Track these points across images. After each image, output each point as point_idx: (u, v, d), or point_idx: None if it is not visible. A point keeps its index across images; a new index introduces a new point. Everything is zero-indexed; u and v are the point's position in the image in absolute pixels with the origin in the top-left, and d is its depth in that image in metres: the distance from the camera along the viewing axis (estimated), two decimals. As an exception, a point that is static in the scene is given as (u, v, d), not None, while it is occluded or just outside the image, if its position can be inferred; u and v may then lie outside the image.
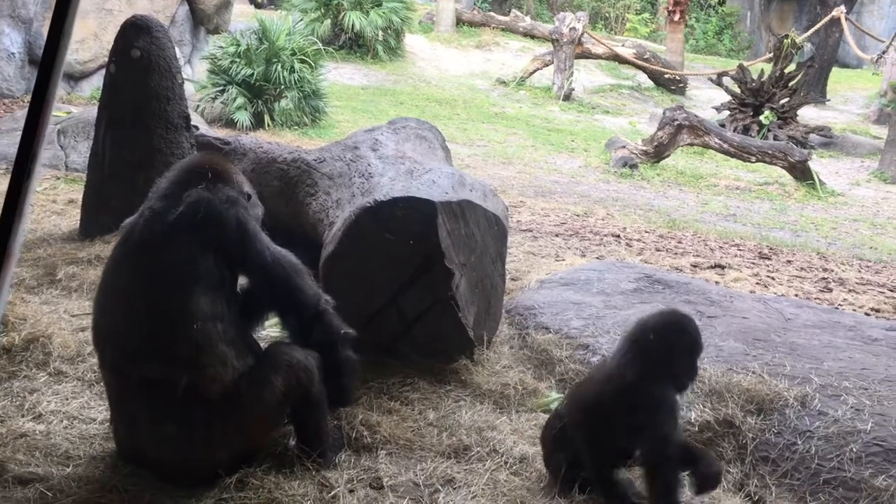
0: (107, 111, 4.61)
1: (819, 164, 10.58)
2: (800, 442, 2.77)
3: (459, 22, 18.99)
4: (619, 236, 6.60)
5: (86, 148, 6.06)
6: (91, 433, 2.75)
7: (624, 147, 10.25)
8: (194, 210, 2.37)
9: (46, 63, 1.71)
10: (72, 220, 5.01)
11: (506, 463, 2.78)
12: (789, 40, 12.55)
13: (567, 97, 14.48)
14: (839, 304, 5.12)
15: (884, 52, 15.18)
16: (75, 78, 9.93)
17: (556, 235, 6.42)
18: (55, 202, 5.55)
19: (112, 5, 9.97)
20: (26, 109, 7.12)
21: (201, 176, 2.48)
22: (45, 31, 9.47)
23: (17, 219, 1.74)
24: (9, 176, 6.12)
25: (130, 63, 4.55)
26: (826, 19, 14.57)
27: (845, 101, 16.26)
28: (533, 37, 18.64)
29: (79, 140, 6.58)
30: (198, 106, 9.60)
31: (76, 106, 8.68)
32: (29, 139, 1.73)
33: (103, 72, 7.11)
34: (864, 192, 10.07)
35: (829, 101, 15.62)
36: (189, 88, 7.96)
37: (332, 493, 2.51)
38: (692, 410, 2.94)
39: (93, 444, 2.68)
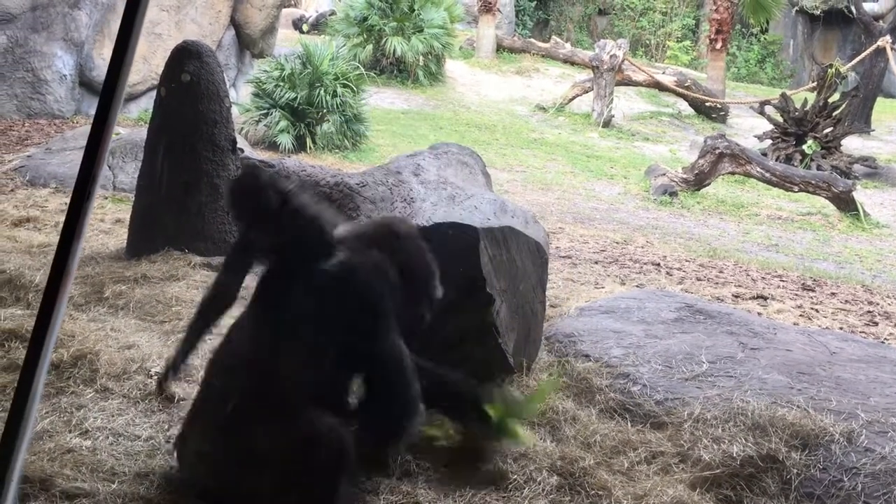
0: (163, 134, 4.71)
1: (863, 195, 10.41)
2: (846, 479, 2.72)
3: (500, 48, 19.11)
4: (659, 265, 6.56)
5: (133, 168, 6.19)
6: (136, 450, 2.79)
7: (664, 175, 10.20)
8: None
9: (109, 85, 1.75)
10: (119, 239, 5.11)
11: (543, 491, 2.76)
12: (833, 70, 12.43)
13: (607, 124, 14.47)
14: (885, 339, 5.03)
15: (931, 83, 14.96)
16: (124, 100, 10.16)
17: (596, 262, 6.39)
18: (103, 221, 5.67)
19: (161, 30, 10.22)
20: (76, 130, 7.33)
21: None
22: (95, 53, 9.73)
23: (75, 239, 1.78)
24: (59, 194, 6.26)
25: (180, 87, 4.65)
26: (871, 49, 14.41)
27: (890, 132, 16.00)
28: (573, 63, 18.68)
29: (126, 161, 6.72)
30: (241, 128, 9.76)
31: (124, 127, 8.87)
32: (89, 161, 1.77)
33: (151, 94, 7.26)
34: (910, 223, 9.90)
35: (873, 131, 15.40)
36: (233, 111, 8.11)
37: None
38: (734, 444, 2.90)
39: (137, 461, 2.72)
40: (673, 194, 9.81)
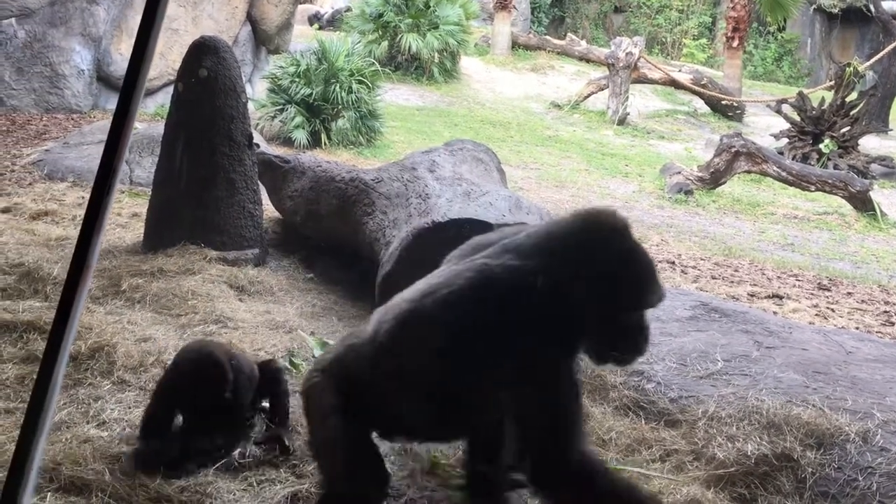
0: (182, 130, 4.74)
1: (881, 195, 10.34)
2: (861, 478, 2.70)
3: (515, 45, 19.07)
4: (674, 263, 6.54)
5: (150, 163, 6.23)
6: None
7: (679, 173, 10.16)
8: None
9: (130, 79, 1.77)
10: (136, 233, 5.15)
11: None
12: (851, 68, 12.33)
13: (622, 122, 14.42)
14: (901, 339, 5.00)
15: (950, 82, 14.82)
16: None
17: (610, 260, 6.37)
18: (120, 215, 5.71)
19: (178, 25, 10.27)
20: (93, 124, 7.36)
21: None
22: (113, 48, 9.79)
23: (95, 232, 1.80)
24: (76, 188, 6.29)
25: (198, 82, 4.68)
26: (889, 48, 14.30)
27: (909, 131, 15.88)
28: (588, 61, 18.63)
29: (143, 155, 6.76)
30: (257, 124, 9.79)
31: (141, 122, 8.91)
32: (110, 155, 1.79)
33: (168, 89, 7.29)
34: (928, 224, 9.81)
35: (891, 130, 15.28)
36: (249, 107, 8.15)
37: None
38: (749, 443, 2.89)
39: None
40: (688, 193, 9.77)
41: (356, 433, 2.36)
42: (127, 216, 5.71)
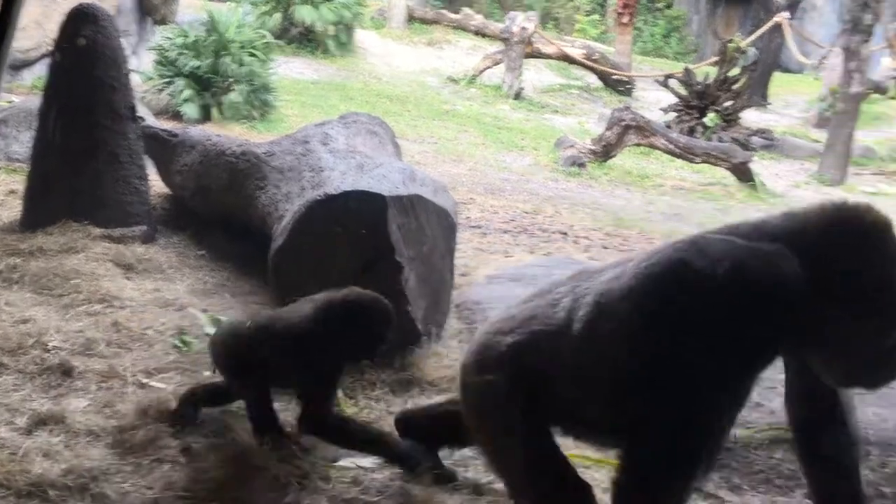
0: (56, 99, 4.53)
1: (760, 166, 10.82)
2: (738, 433, 2.85)
3: (411, 19, 18.97)
4: (566, 234, 6.68)
5: (28, 138, 5.92)
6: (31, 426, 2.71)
7: (572, 146, 10.37)
8: None
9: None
10: (12, 211, 4.90)
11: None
12: (734, 45, 12.82)
13: (517, 96, 14.57)
14: (778, 302, 5.26)
15: (824, 58, 15.62)
16: (16, 67, 9.68)
17: (505, 232, 6.47)
18: (-5, 193, 5.43)
19: (56, -7, 9.76)
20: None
21: None
22: (-16, 17, 9.23)
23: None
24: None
25: (76, 51, 4.48)
26: (769, 24, 14.93)
27: (786, 105, 16.62)
28: (484, 35, 18.69)
29: (21, 130, 6.42)
30: (144, 97, 9.43)
31: (17, 95, 8.48)
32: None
33: (45, 60, 6.95)
34: (804, 193, 10.33)
35: (770, 104, 15.99)
36: (135, 79, 7.81)
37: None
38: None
39: (35, 437, 2.64)
40: (581, 165, 9.98)
41: (546, 438, 2.19)
42: (3, 193, 5.43)
